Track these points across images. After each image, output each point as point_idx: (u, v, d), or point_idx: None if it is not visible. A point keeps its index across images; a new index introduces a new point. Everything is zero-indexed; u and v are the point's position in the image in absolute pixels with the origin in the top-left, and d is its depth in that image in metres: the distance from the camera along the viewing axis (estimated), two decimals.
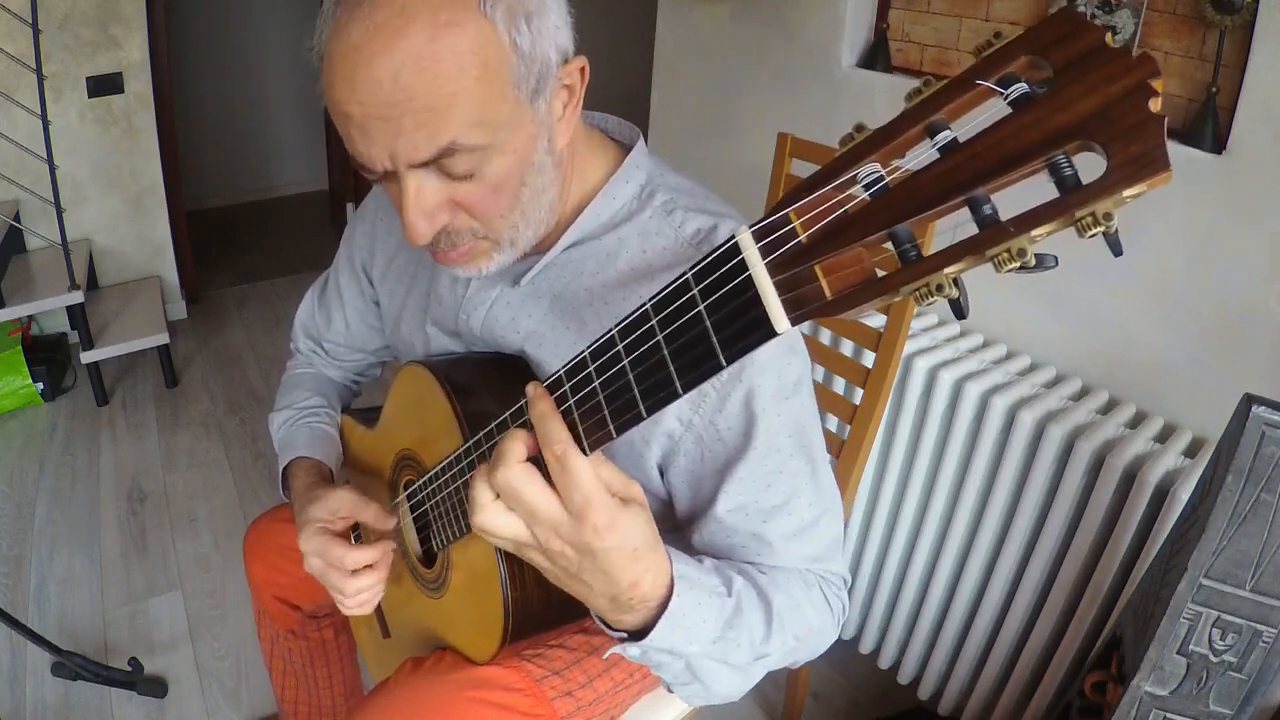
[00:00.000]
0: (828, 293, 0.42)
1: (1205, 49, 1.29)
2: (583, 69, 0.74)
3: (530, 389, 0.58)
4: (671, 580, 0.65)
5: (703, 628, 0.67)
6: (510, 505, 0.59)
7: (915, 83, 0.39)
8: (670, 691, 0.76)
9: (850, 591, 1.68)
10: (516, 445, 0.58)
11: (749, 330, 0.44)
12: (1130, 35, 1.36)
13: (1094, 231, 0.34)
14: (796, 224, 0.42)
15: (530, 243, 0.79)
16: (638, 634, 0.66)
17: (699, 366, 0.47)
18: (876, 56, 1.77)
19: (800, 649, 0.80)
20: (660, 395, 0.50)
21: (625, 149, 0.85)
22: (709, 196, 0.84)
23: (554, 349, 0.82)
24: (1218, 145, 1.25)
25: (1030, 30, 0.37)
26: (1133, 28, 1.35)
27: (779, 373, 0.76)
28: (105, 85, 2.85)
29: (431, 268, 0.94)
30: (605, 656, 0.90)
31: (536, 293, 0.84)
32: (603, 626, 0.68)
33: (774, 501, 0.78)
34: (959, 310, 0.38)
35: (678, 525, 0.86)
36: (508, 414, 0.63)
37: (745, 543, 0.79)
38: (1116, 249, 0.35)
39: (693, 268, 0.47)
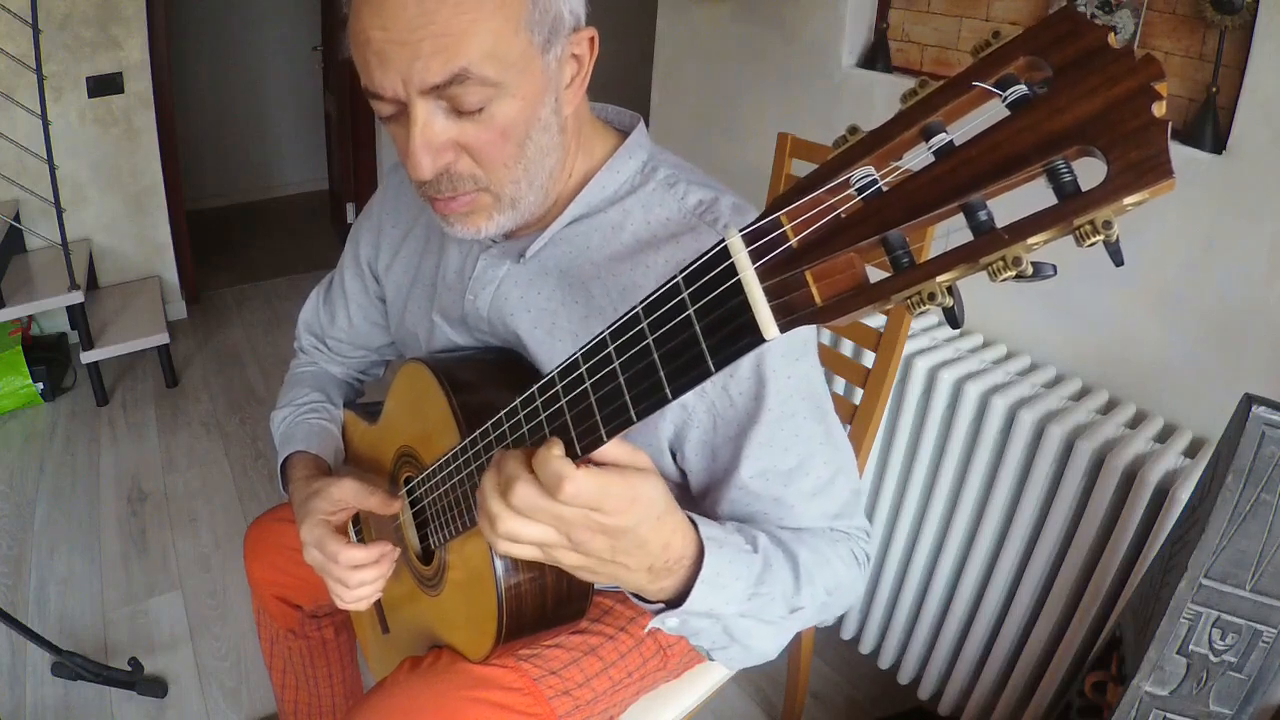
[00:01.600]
0: (818, 299, 0.41)
1: (1205, 49, 1.28)
2: (592, 39, 0.76)
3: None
4: (700, 541, 0.66)
5: (736, 585, 0.68)
6: (534, 516, 0.58)
7: (915, 83, 0.39)
8: (711, 659, 0.76)
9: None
10: (519, 463, 0.57)
11: (737, 336, 0.44)
12: (1130, 35, 1.36)
13: (1093, 240, 0.33)
14: (788, 228, 0.41)
15: (531, 208, 0.80)
16: (673, 602, 0.67)
17: (688, 372, 0.47)
18: (876, 56, 1.77)
19: (832, 603, 0.81)
20: (650, 400, 0.50)
21: (625, 134, 0.87)
22: (709, 175, 0.86)
23: (566, 325, 0.83)
24: (1218, 145, 1.25)
25: (1030, 30, 0.36)
26: (1133, 28, 1.35)
27: (787, 335, 0.76)
28: (105, 85, 2.85)
29: (438, 255, 0.95)
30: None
31: (544, 269, 0.84)
32: (640, 603, 0.69)
33: (790, 464, 0.79)
34: (953, 319, 0.37)
35: (690, 505, 0.86)
36: (503, 413, 0.63)
37: (767, 509, 0.80)
38: (1117, 258, 0.34)
39: (684, 270, 0.46)
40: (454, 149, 0.73)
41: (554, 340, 0.84)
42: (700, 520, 0.68)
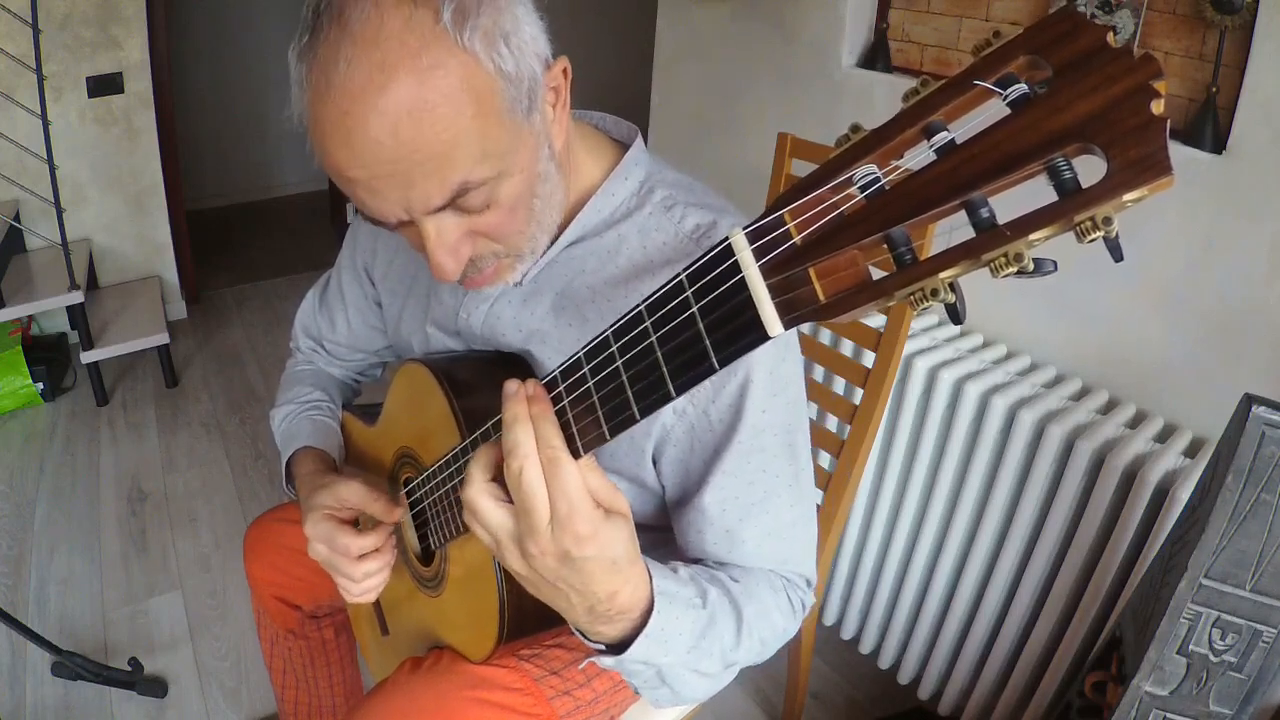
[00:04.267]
0: (821, 296, 0.41)
1: (1205, 49, 1.29)
2: (565, 69, 0.73)
3: (530, 387, 0.58)
4: (651, 595, 0.65)
5: (678, 640, 0.68)
6: (508, 499, 0.59)
7: (915, 83, 0.39)
8: (636, 693, 0.77)
9: (849, 591, 1.68)
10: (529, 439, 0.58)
11: (742, 333, 0.44)
12: (1130, 35, 1.36)
13: (1093, 236, 0.33)
14: (791, 225, 0.42)
15: (546, 245, 0.80)
16: (615, 646, 0.67)
17: (692, 369, 0.47)
18: (876, 56, 1.77)
19: (764, 651, 0.82)
20: (653, 397, 0.50)
21: (623, 147, 0.86)
22: (708, 192, 0.84)
23: (557, 346, 0.83)
24: (1218, 145, 1.25)
25: (1030, 29, 0.36)
26: (1133, 28, 1.35)
27: (771, 369, 0.77)
28: (105, 85, 2.85)
29: None
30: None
31: (538, 290, 0.84)
32: (580, 637, 0.69)
33: (754, 499, 0.79)
34: (955, 315, 0.37)
35: (664, 518, 0.87)
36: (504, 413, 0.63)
37: (717, 538, 0.81)
38: (1117, 254, 0.34)
39: (687, 269, 0.47)
40: (470, 239, 0.72)
41: (545, 361, 0.83)
42: (657, 571, 0.68)
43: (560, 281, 0.83)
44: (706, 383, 0.76)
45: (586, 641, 0.69)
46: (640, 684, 0.73)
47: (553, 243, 0.82)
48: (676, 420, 0.79)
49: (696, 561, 0.83)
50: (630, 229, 0.81)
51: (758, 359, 0.75)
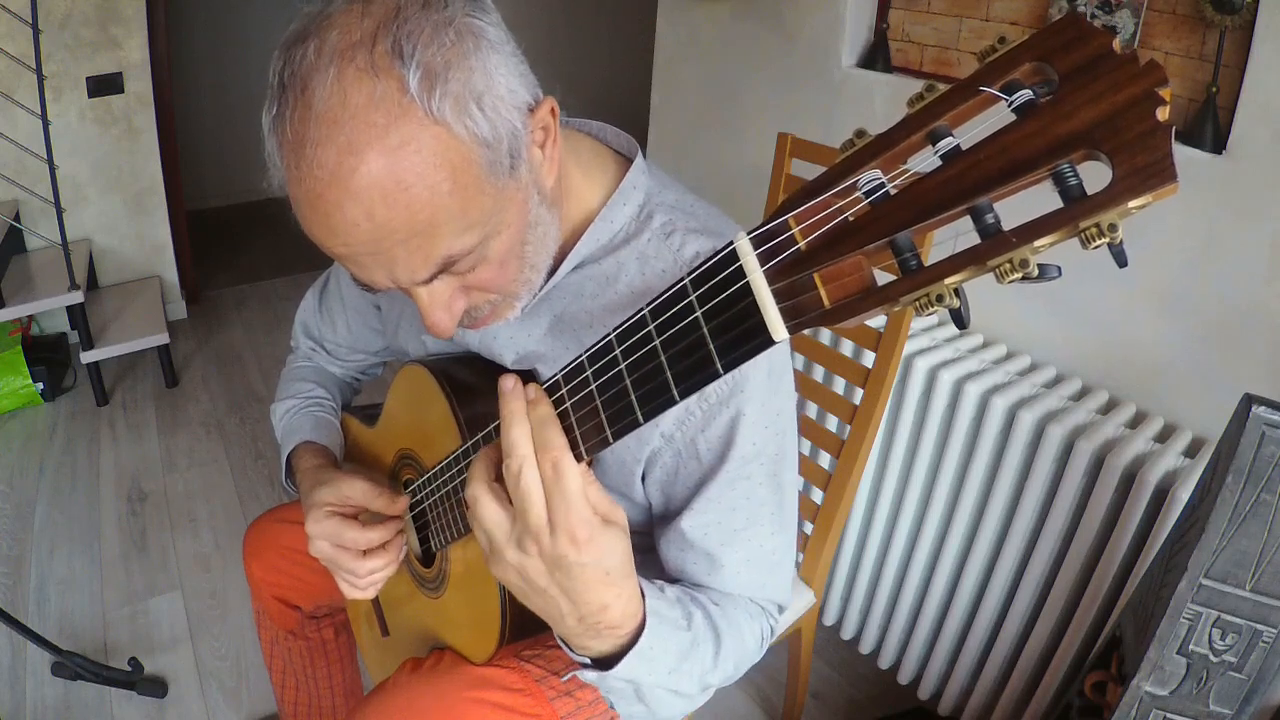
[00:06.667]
0: (826, 301, 0.41)
1: (1205, 49, 1.29)
2: (553, 109, 0.70)
3: (530, 391, 0.58)
4: (643, 613, 0.66)
5: (662, 660, 0.69)
6: (509, 499, 0.59)
7: (915, 83, 0.39)
8: (611, 707, 0.77)
9: (849, 591, 1.69)
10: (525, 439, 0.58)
11: (746, 338, 0.44)
12: (1130, 35, 1.36)
13: (1099, 243, 0.33)
14: (795, 231, 0.42)
15: (542, 280, 0.79)
16: (600, 662, 0.67)
17: (696, 374, 0.47)
18: (876, 56, 1.77)
19: (735, 674, 0.83)
20: (657, 402, 0.50)
21: (623, 160, 0.85)
22: (709, 213, 0.83)
23: (553, 366, 0.82)
24: (1218, 145, 1.25)
25: (1035, 36, 0.36)
26: (1133, 28, 1.35)
27: (763, 401, 0.77)
28: (105, 85, 2.84)
29: None
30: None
31: (536, 312, 0.83)
32: (565, 649, 0.69)
33: (736, 525, 0.80)
34: (960, 320, 0.38)
35: (649, 529, 0.88)
36: None
37: (697, 560, 0.82)
38: (1121, 260, 0.34)
39: (691, 274, 0.47)
40: (464, 293, 0.71)
41: (540, 379, 0.83)
42: (648, 589, 0.68)
43: (559, 305, 0.82)
44: (697, 410, 0.76)
45: (571, 655, 0.69)
46: (617, 700, 0.74)
47: (552, 273, 0.81)
48: (664, 445, 0.79)
49: (675, 580, 0.84)
50: (629, 255, 0.80)
51: (750, 393, 0.76)
